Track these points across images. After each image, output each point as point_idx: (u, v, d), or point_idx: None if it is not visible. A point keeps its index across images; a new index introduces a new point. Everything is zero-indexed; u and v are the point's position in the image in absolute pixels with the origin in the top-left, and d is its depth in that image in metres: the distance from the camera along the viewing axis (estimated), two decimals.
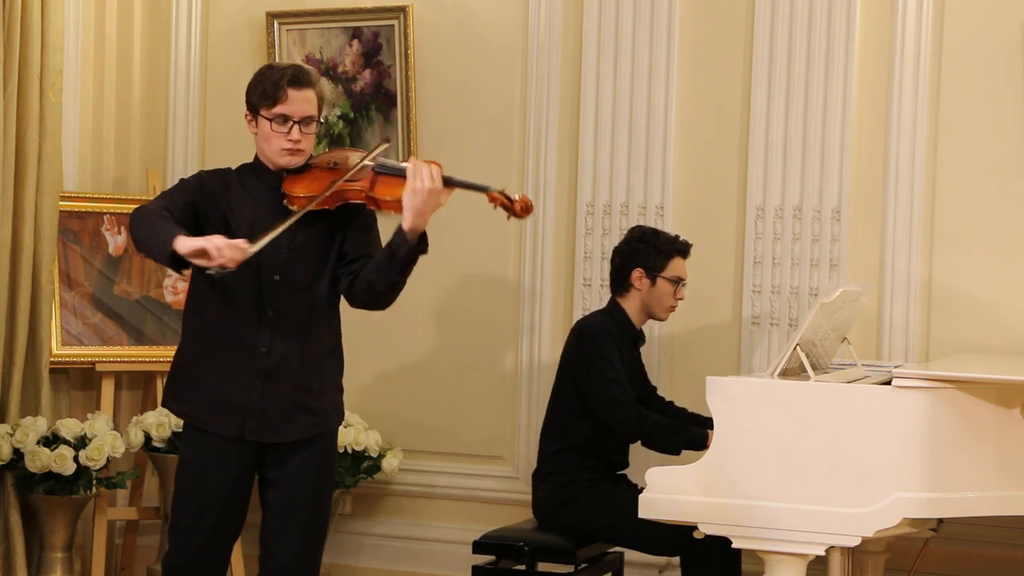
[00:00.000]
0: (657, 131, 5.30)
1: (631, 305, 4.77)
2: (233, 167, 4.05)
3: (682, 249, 4.79)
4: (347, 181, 3.85)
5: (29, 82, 5.25)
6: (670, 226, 5.23)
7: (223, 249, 3.60)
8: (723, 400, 3.77)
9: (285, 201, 3.88)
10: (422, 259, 3.83)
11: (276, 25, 5.75)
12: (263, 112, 3.89)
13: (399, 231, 3.80)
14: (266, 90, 3.88)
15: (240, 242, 3.65)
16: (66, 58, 5.46)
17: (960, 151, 5.01)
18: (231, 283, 3.85)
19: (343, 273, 3.97)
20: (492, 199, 3.85)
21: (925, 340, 5.03)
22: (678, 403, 4.94)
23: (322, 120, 4.00)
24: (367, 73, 5.65)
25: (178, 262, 3.68)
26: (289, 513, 3.93)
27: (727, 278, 5.26)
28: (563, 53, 5.45)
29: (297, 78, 3.89)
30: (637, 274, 4.74)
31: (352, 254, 3.96)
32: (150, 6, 5.94)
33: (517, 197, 3.85)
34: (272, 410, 3.90)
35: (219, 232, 3.79)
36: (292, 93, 3.87)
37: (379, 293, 3.89)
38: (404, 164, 3.86)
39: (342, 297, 4.01)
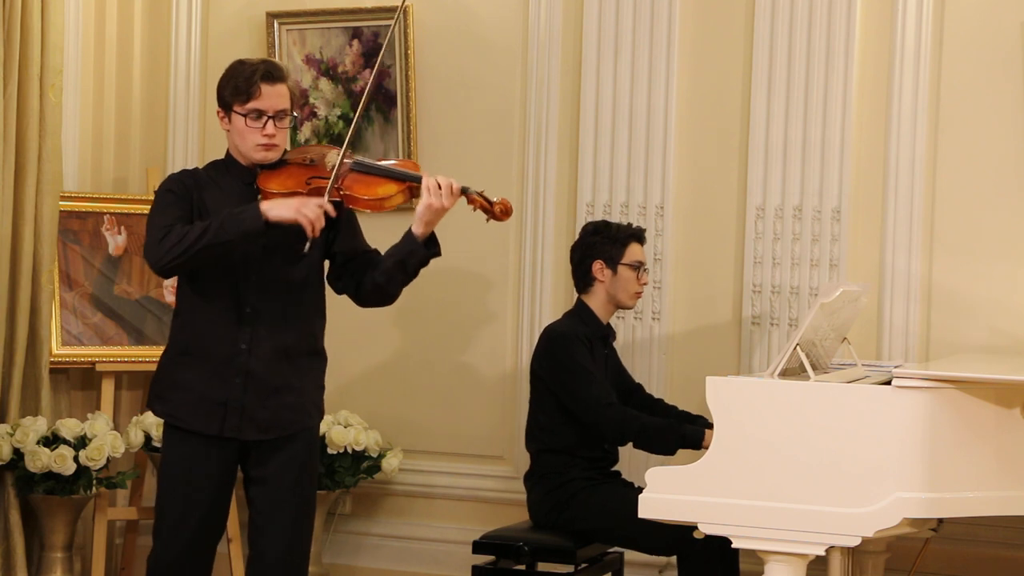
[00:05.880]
0: (657, 131, 5.30)
1: (596, 300, 4.77)
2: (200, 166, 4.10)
3: (637, 235, 4.79)
4: (323, 179, 3.85)
5: (29, 82, 5.24)
6: (670, 226, 5.22)
7: (316, 222, 3.73)
8: (723, 400, 3.77)
9: (260, 197, 3.88)
10: None
11: (276, 25, 5.74)
12: (236, 108, 3.90)
13: (411, 237, 3.86)
14: (239, 86, 3.89)
15: (316, 202, 3.74)
16: (66, 58, 5.46)
17: (960, 151, 5.00)
18: (210, 283, 3.90)
19: (342, 274, 4.00)
20: (471, 201, 3.85)
21: (925, 340, 5.03)
22: (677, 404, 4.90)
23: (295, 115, 4.01)
24: (367, 73, 5.64)
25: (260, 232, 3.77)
26: (274, 511, 3.95)
27: (727, 278, 5.25)
28: (563, 53, 5.44)
29: (270, 73, 3.90)
30: (598, 266, 4.74)
31: (348, 253, 3.99)
32: (150, 6, 5.94)
33: (496, 199, 3.85)
34: (252, 407, 3.91)
35: None
36: (265, 88, 3.88)
37: (390, 295, 4.01)
38: (384, 163, 3.91)
39: (349, 297, 4.05)
